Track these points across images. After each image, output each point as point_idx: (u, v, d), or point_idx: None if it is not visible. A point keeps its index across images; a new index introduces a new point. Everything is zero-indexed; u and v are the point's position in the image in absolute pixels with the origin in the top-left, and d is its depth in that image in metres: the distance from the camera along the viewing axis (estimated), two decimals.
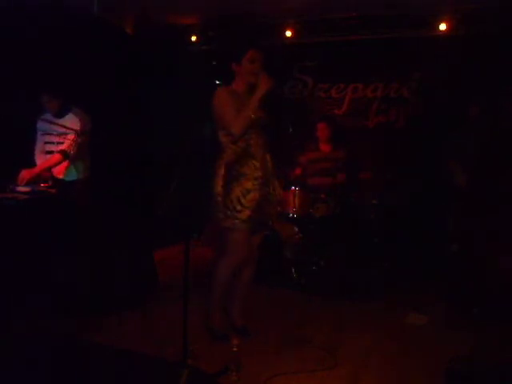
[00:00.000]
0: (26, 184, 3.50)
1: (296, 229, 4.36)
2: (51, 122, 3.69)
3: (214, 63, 5.30)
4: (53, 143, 3.80)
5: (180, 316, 2.36)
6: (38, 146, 3.87)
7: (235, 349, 2.50)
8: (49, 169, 3.69)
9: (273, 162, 3.04)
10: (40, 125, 3.84)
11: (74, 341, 2.88)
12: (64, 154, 3.68)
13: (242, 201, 2.85)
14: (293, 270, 4.27)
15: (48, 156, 3.83)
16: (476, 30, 4.76)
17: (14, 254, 2.98)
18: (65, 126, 3.63)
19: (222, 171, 2.91)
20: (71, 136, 3.66)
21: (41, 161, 3.83)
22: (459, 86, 4.78)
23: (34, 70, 4.00)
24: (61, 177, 3.76)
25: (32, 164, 3.80)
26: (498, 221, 3.59)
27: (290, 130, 4.06)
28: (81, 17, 4.42)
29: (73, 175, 3.83)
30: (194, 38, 5.72)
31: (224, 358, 2.56)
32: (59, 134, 3.71)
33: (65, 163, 3.75)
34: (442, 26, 4.87)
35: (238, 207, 2.84)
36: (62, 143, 3.75)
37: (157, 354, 2.72)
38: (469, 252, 3.84)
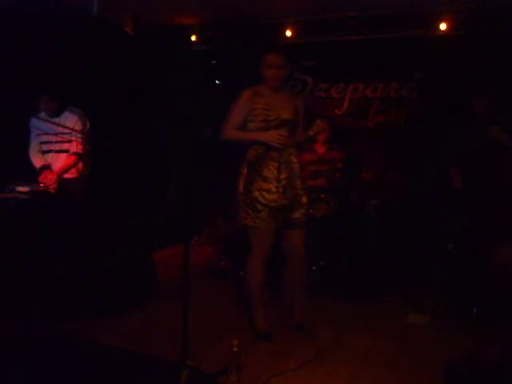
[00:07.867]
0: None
1: None
2: (47, 121, 3.65)
3: (214, 63, 5.30)
4: (50, 142, 3.78)
5: (180, 316, 2.36)
6: (34, 146, 3.85)
7: (235, 349, 2.50)
8: (67, 170, 3.77)
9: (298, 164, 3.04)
10: (34, 123, 3.80)
11: (74, 341, 2.88)
12: (79, 156, 3.78)
13: (262, 201, 2.90)
14: None
15: (45, 156, 3.82)
16: (476, 30, 4.76)
17: (13, 254, 2.98)
18: (61, 125, 3.60)
19: (244, 170, 2.97)
20: (78, 136, 3.68)
21: (38, 161, 3.81)
22: (459, 86, 4.78)
23: (34, 70, 4.00)
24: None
25: (30, 164, 3.79)
26: (497, 220, 3.59)
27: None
28: (81, 17, 4.42)
29: (72, 173, 3.83)
30: (193, 38, 5.72)
31: (224, 357, 2.56)
32: (57, 134, 3.68)
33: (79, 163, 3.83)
34: (442, 26, 4.87)
35: (259, 207, 2.90)
36: (62, 142, 3.74)
37: (157, 353, 2.72)
38: (468, 252, 3.83)
